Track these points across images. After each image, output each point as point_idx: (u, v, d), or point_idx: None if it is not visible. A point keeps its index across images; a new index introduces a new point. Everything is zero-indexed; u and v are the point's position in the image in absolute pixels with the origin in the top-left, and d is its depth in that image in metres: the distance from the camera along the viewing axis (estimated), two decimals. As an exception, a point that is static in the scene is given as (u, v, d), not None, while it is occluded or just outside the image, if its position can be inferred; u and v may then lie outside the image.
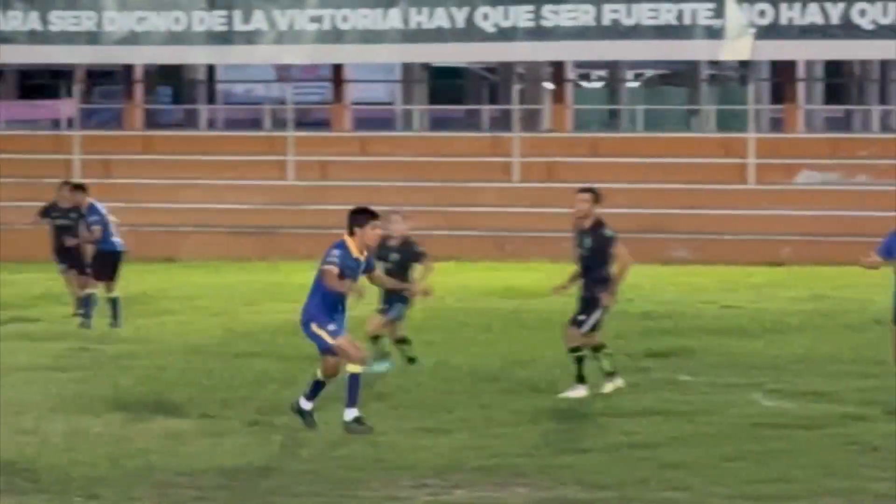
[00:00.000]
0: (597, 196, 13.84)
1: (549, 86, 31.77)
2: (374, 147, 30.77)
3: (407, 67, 35.50)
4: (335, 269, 11.70)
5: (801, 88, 32.16)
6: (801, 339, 16.89)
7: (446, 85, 40.05)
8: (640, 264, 25.67)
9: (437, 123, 35.86)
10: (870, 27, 27.93)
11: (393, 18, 29.37)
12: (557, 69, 31.16)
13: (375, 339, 14.66)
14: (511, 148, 29.25)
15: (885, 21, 27.88)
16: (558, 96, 31.16)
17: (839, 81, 39.32)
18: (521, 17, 28.91)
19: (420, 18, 29.33)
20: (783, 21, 28.25)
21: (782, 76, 31.90)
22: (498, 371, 14.51)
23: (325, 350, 11.81)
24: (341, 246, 11.85)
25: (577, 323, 13.54)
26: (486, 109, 37.17)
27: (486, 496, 9.99)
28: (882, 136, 33.33)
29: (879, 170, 28.37)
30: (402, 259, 14.96)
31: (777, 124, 32.61)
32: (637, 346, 16.31)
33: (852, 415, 12.40)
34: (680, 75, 38.53)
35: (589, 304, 13.58)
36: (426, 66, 36.11)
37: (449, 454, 11.11)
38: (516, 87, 31.09)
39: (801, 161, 28.81)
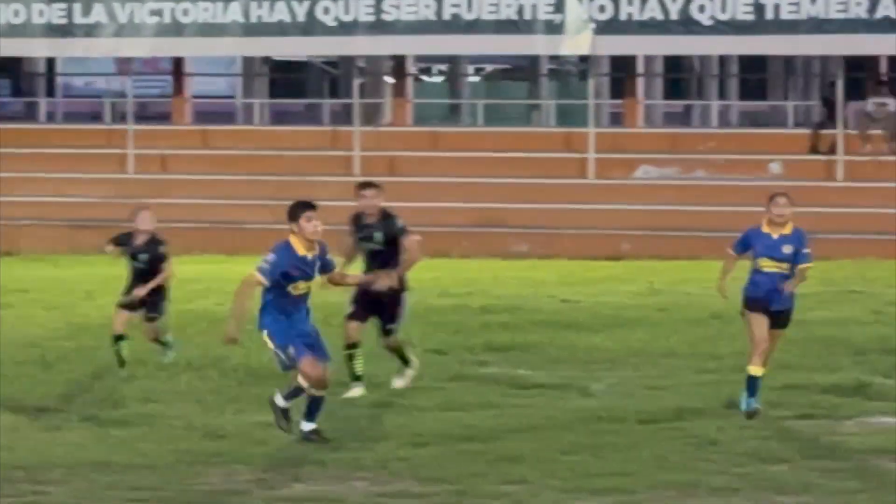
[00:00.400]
0: (381, 189, 13.94)
1: (389, 80, 32.00)
2: (215, 140, 30.78)
3: (248, 61, 35.72)
4: (256, 277, 10.93)
5: (640, 83, 32.82)
6: (638, 334, 17.19)
7: (287, 78, 40.34)
8: (479, 258, 26.43)
9: (278, 117, 36.15)
10: (708, 23, 28.55)
11: (233, 12, 29.41)
12: (398, 63, 31.45)
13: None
14: (352, 142, 29.40)
15: (724, 17, 28.49)
16: (399, 90, 31.43)
17: (678, 77, 40.38)
18: (361, 11, 29.19)
19: (260, 12, 29.45)
20: (622, 16, 28.76)
21: (622, 71, 32.58)
22: (337, 365, 14.53)
23: (286, 368, 11.18)
24: (282, 247, 11.11)
25: (387, 332, 13.52)
26: (327, 103, 37.45)
27: (324, 490, 10.00)
28: (720, 131, 34.55)
29: (718, 165, 29.02)
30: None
31: (617, 119, 33.40)
32: (476, 340, 16.47)
33: (689, 409, 12.58)
34: (520, 70, 39.25)
35: (389, 304, 13.47)
36: (267, 60, 36.29)
37: (288, 448, 11.15)
38: (357, 81, 31.20)
39: (640, 156, 29.43)
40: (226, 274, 23.29)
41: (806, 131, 30.96)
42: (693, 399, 13.02)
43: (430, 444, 10.99)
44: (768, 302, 12.37)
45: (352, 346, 13.31)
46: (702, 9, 28.53)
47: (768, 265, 12.61)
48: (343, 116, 32.64)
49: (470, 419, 12.14)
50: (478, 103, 36.54)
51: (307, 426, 11.09)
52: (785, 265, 12.59)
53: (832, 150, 28.69)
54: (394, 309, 13.49)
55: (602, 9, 28.71)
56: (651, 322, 18.23)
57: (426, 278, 21.40)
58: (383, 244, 13.61)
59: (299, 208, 11.33)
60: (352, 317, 13.43)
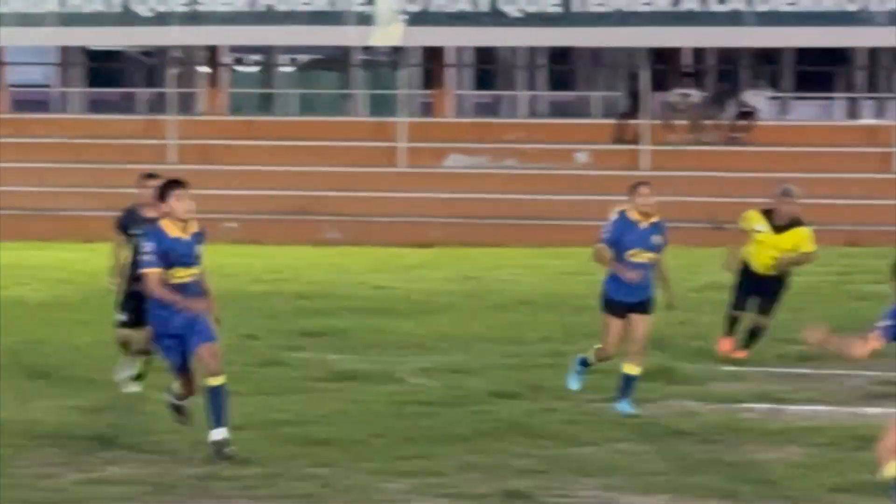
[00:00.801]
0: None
1: (204, 69, 32.14)
2: (32, 128, 30.96)
3: (64, 50, 35.65)
4: (146, 274, 10.26)
5: (450, 74, 33.59)
6: (448, 319, 17.59)
7: (103, 68, 40.24)
8: (292, 245, 26.75)
9: (95, 106, 36.16)
10: (517, 15, 29.51)
11: (50, 2, 29.81)
12: (212, 53, 31.88)
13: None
14: (167, 130, 29.56)
15: (532, 9, 29.50)
16: (213, 80, 31.73)
17: (488, 67, 41.19)
18: (176, 2, 29.83)
19: (77, 2, 29.95)
20: (433, 8, 29.74)
21: (433, 62, 33.19)
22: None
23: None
24: (153, 232, 10.43)
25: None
26: (143, 92, 37.43)
27: (137, 472, 10.17)
28: (529, 120, 35.43)
29: (526, 153, 29.87)
30: None
31: (427, 109, 34.07)
32: (290, 326, 16.80)
33: (497, 392, 12.93)
34: (333, 60, 39.65)
35: None
36: (83, 49, 36.24)
37: (105, 431, 11.30)
38: (172, 71, 31.29)
39: (450, 145, 30.21)
40: (43, 261, 23.37)
41: (611, 121, 32.07)
42: (501, 382, 13.40)
43: (242, 429, 11.15)
44: (631, 295, 12.29)
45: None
46: (510, 1, 29.48)
47: (639, 256, 12.53)
48: (159, 105, 32.77)
49: (282, 404, 12.36)
50: (291, 93, 37.12)
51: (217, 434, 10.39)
52: (653, 255, 12.55)
53: (636, 140, 29.79)
54: None
55: (413, 0, 29.53)
56: (460, 308, 18.63)
57: (239, 265, 21.76)
58: None
59: (169, 187, 10.62)
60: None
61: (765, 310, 15.43)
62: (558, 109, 38.49)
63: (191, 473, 10.04)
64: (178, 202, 10.44)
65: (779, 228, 15.38)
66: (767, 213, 15.49)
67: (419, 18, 29.55)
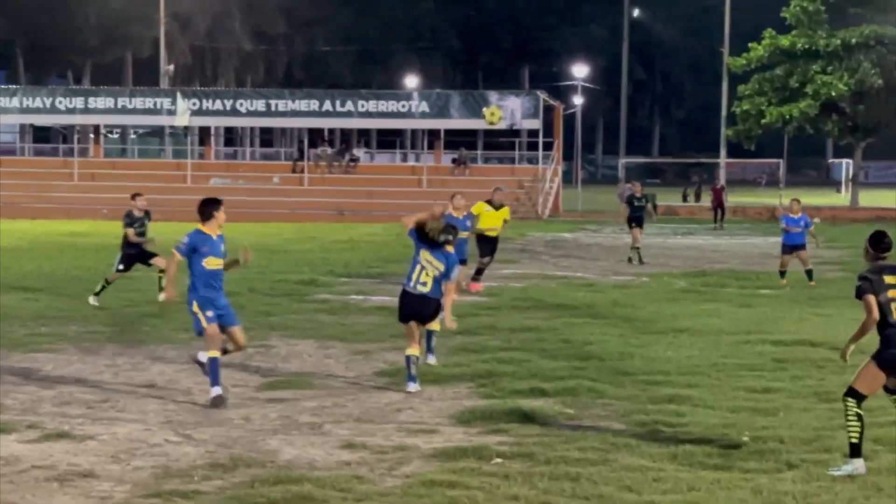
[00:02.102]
0: None
1: (91, 136, 61.93)
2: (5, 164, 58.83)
3: (22, 126, 65.35)
4: (175, 253, 12.88)
5: (212, 139, 63.69)
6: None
7: (43, 134, 69.28)
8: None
9: (38, 151, 66.22)
10: (245, 111, 60.04)
11: (14, 101, 58.18)
12: (97, 128, 61.70)
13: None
14: (74, 166, 58.85)
15: (252, 108, 59.65)
16: (97, 140, 61.60)
17: (230, 136, 71.77)
18: (79, 103, 59.28)
19: (28, 103, 59.11)
20: (204, 108, 59.65)
21: (204, 133, 62.84)
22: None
23: (200, 332, 12.71)
24: (198, 232, 12.87)
25: None
26: (60, 146, 67.87)
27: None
28: (251, 161, 65.47)
29: (249, 178, 58.97)
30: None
31: (202, 155, 63.39)
32: None
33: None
34: (156, 132, 70.02)
35: None
36: (32, 126, 66.90)
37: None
38: (76, 136, 61.29)
39: (212, 173, 59.40)
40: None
41: (290, 162, 62.93)
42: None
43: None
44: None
45: None
46: (243, 104, 60.09)
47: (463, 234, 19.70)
48: (70, 152, 60.42)
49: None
50: (136, 147, 67.58)
51: (216, 390, 12.63)
52: (466, 234, 22.90)
53: (303, 171, 60.76)
54: None
55: (193, 104, 59.68)
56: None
57: (106, 231, 29.84)
58: None
59: (215, 204, 13.10)
60: None
61: (487, 256, 24.39)
62: (266, 156, 69.86)
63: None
64: (221, 214, 12.91)
65: (496, 208, 24.42)
66: (489, 201, 24.42)
67: (196, 113, 59.82)
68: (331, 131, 66.91)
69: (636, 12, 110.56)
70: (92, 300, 21.02)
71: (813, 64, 63.00)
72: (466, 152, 64.28)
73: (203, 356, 12.87)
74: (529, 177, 60.10)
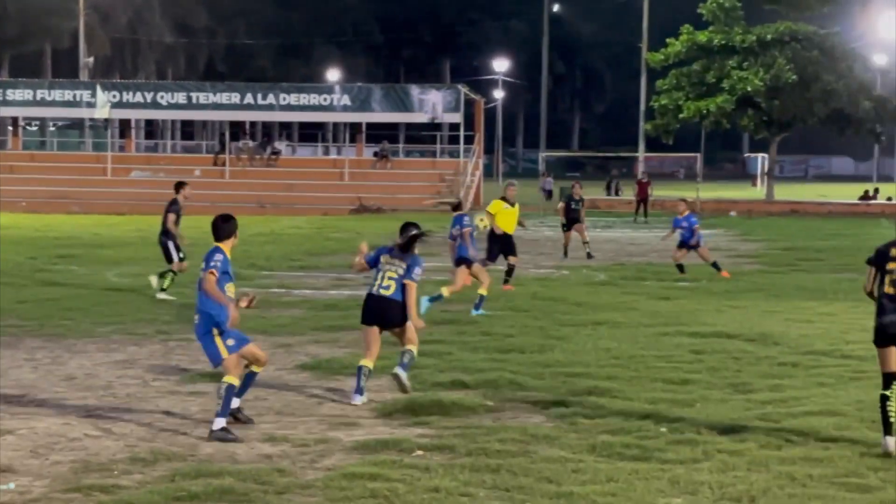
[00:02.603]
0: None
1: (10, 128, 61.30)
2: None
3: None
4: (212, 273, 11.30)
5: (133, 132, 63.63)
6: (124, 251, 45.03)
7: None
8: (55, 214, 55.15)
9: None
10: (166, 104, 59.86)
11: None
12: (15, 120, 61.23)
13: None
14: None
15: (175, 101, 59.83)
16: (15, 132, 61.14)
17: (151, 129, 71.67)
18: None
19: None
20: (123, 101, 59.36)
21: (124, 125, 62.53)
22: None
23: (217, 363, 11.22)
24: (218, 250, 11.41)
25: None
26: None
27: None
28: (172, 154, 65.34)
29: (171, 171, 58.08)
30: None
31: (122, 148, 63.26)
32: (52, 252, 34.12)
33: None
34: (76, 124, 69.49)
35: None
36: None
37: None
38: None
39: (133, 166, 59.54)
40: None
41: (212, 155, 62.90)
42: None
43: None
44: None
45: None
46: (163, 97, 59.90)
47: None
48: None
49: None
50: (56, 140, 66.84)
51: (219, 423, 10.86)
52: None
53: (224, 164, 60.64)
54: None
55: (114, 96, 59.45)
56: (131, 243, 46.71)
57: (29, 224, 38.38)
58: None
59: (233, 223, 11.63)
60: None
61: (511, 254, 22.86)
62: (187, 149, 69.45)
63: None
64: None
65: (511, 205, 23.10)
66: (503, 198, 23.06)
67: (116, 105, 59.47)
68: (252, 124, 66.78)
69: (556, 7, 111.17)
70: (162, 295, 21.22)
71: (729, 59, 63.70)
72: (388, 145, 64.36)
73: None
74: (451, 170, 60.30)
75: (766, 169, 72.16)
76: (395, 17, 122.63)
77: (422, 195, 58.04)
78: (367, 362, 12.63)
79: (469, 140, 61.38)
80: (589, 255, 31.05)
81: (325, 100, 60.33)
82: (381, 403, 12.26)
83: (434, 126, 64.16)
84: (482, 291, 19.46)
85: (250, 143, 62.67)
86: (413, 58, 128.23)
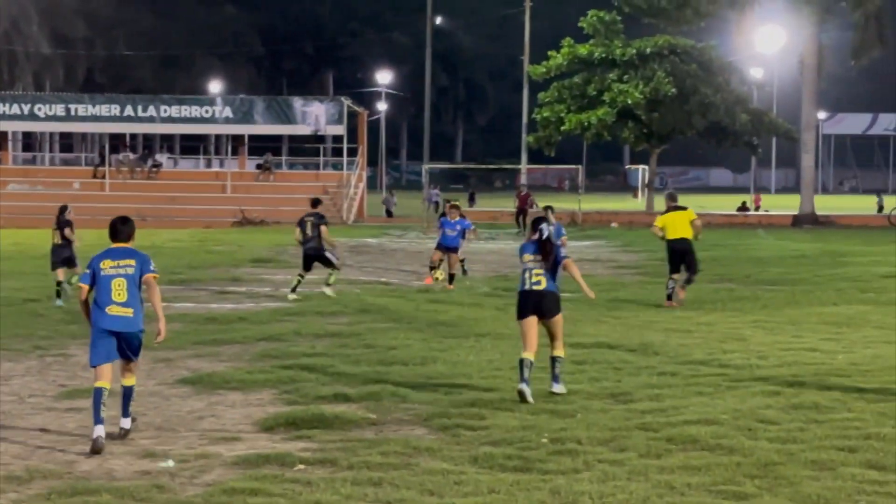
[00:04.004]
0: None
1: None
2: None
3: None
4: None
5: (9, 144, 62.05)
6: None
7: None
8: None
9: None
10: (43, 116, 59.11)
11: None
12: None
13: None
14: None
15: (51, 113, 59.13)
16: None
17: (30, 142, 70.05)
18: None
19: None
20: (-2, 111, 58.64)
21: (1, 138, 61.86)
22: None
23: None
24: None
25: None
26: None
27: None
28: (51, 167, 64.28)
29: (48, 183, 57.85)
30: None
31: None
32: None
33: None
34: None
35: None
36: None
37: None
38: None
39: (9, 178, 58.66)
40: None
41: (91, 168, 62.13)
42: None
43: None
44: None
45: None
46: (41, 109, 58.93)
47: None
48: None
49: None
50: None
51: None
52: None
53: (104, 176, 59.87)
54: None
55: (-8, 108, 58.48)
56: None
57: None
58: None
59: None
60: None
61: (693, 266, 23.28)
62: (66, 161, 68.39)
63: None
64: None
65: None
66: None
67: (-9, 116, 58.53)
68: (133, 136, 65.94)
69: (439, 20, 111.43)
70: (291, 296, 23.28)
71: (610, 72, 64.48)
72: (272, 158, 64.03)
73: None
74: (334, 182, 60.25)
75: (646, 180, 73.05)
76: (276, 29, 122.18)
77: (305, 208, 57.87)
78: (529, 355, 13.20)
79: (352, 152, 61.38)
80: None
81: (206, 112, 60.00)
82: (263, 418, 12.16)
83: (317, 138, 64.09)
84: None
85: (131, 156, 61.99)
86: (296, 70, 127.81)
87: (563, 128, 64.96)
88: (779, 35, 67.25)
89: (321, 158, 66.19)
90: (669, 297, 22.80)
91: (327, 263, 24.30)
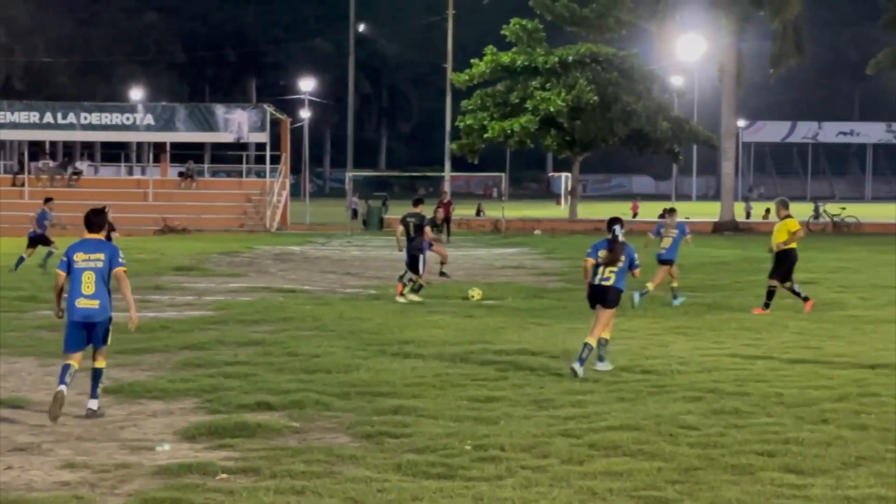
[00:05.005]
0: None
1: None
2: None
3: None
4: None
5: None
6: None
7: None
8: None
9: None
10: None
11: None
12: None
13: None
14: None
15: (14, 120, 58.32)
16: None
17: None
18: None
19: None
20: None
21: None
22: None
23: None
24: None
25: None
26: None
27: None
28: None
29: None
30: None
31: None
32: None
33: None
34: None
35: None
36: None
37: None
38: None
39: None
40: None
41: (10, 175, 61.34)
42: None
43: None
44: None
45: None
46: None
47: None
48: None
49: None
50: None
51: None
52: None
53: (23, 184, 59.24)
54: None
55: None
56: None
57: None
58: None
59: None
60: None
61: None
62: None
63: None
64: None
65: (781, 218, 22.96)
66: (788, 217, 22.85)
67: None
68: (52, 144, 65.32)
69: (362, 27, 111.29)
70: (408, 298, 24.47)
71: (532, 80, 64.72)
72: (194, 165, 63.66)
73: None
74: (257, 190, 60.01)
75: (569, 188, 73.40)
76: (199, 36, 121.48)
77: (228, 216, 57.60)
78: (592, 340, 15.22)
79: (275, 160, 61.16)
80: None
81: (127, 119, 59.52)
82: (185, 427, 12.08)
83: (240, 146, 63.80)
84: (674, 284, 24.38)
85: (50, 163, 61.35)
86: (218, 77, 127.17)
87: (486, 135, 65.08)
88: (699, 44, 67.84)
89: (244, 166, 65.85)
90: (767, 305, 22.84)
91: (415, 268, 25.30)
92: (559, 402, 13.35)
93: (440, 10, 74.73)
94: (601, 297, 15.37)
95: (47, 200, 33.01)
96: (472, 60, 66.53)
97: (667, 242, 24.72)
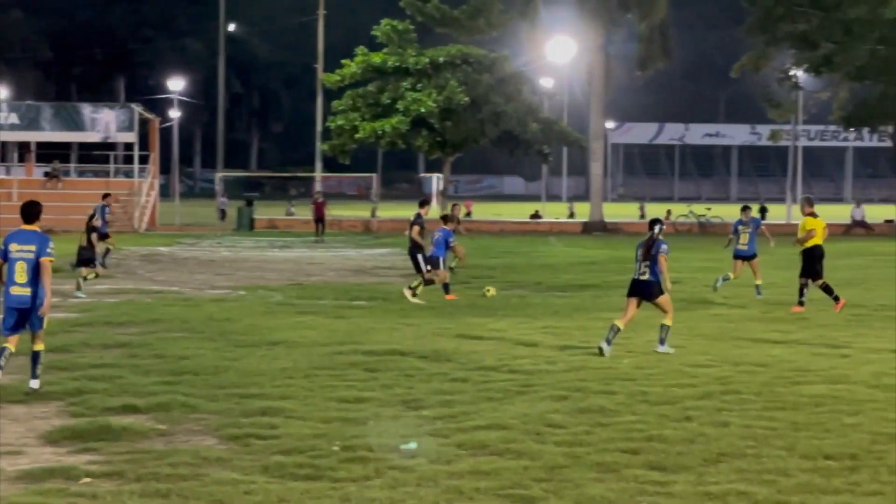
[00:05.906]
0: None
1: None
2: None
3: None
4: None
5: None
6: None
7: None
8: None
9: None
10: None
11: None
12: None
13: None
14: None
15: None
16: None
17: None
18: None
19: None
20: None
21: None
22: None
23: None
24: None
25: None
26: None
27: None
28: None
29: None
30: None
31: None
32: None
33: None
34: None
35: None
36: None
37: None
38: None
39: None
40: None
41: None
42: None
43: None
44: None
45: None
46: None
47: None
48: None
49: None
50: None
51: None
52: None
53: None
54: None
55: None
56: None
57: None
58: None
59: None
60: None
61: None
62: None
63: None
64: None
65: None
66: (812, 214, 23.47)
67: None
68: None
69: (232, 27, 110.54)
70: (414, 300, 24.45)
71: (403, 81, 64.80)
72: (60, 165, 62.66)
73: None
74: (125, 190, 59.31)
75: (440, 188, 73.66)
76: (66, 34, 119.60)
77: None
78: (620, 323, 16.97)
79: (144, 160, 60.50)
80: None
81: (-9, 118, 58.33)
82: (48, 431, 11.90)
83: (107, 146, 62.98)
84: (757, 282, 25.57)
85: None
86: (85, 76, 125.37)
87: (357, 136, 64.98)
88: (569, 45, 68.55)
89: (111, 166, 64.97)
90: (801, 303, 23.13)
91: (417, 268, 25.52)
92: (428, 403, 13.40)
93: (311, 10, 74.57)
94: (645, 292, 17.09)
95: (105, 196, 34.51)
96: (343, 61, 66.40)
97: (744, 238, 25.61)
